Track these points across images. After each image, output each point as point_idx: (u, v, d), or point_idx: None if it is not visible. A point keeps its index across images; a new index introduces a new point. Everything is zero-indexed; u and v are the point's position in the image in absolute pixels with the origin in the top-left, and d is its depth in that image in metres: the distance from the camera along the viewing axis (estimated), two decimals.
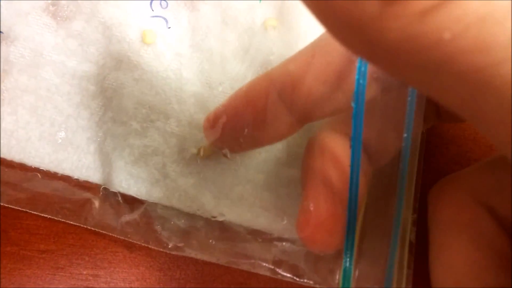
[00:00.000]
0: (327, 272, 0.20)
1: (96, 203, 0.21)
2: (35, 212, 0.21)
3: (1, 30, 0.21)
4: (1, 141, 0.20)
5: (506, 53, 0.08)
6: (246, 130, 0.18)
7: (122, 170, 0.21)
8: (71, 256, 0.21)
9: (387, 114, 0.17)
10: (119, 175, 0.21)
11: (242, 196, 0.21)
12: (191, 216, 0.21)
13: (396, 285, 0.17)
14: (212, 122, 0.19)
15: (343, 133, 0.18)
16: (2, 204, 0.20)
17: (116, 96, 0.21)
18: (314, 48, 0.17)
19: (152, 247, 0.21)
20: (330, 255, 0.20)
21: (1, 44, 0.21)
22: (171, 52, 0.22)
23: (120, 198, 0.21)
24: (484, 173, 0.17)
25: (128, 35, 0.21)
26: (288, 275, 0.20)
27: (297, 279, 0.20)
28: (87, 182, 0.21)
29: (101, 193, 0.21)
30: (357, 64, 0.15)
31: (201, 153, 0.21)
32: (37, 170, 0.21)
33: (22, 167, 0.21)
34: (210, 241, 0.21)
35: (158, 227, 0.21)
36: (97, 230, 0.21)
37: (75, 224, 0.21)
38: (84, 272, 0.21)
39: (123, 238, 0.21)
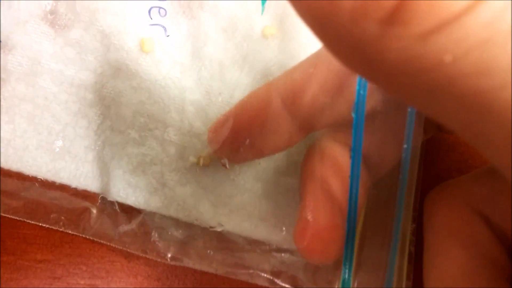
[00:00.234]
0: (325, 283, 0.20)
1: (94, 212, 0.21)
2: (32, 222, 0.20)
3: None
4: None
5: (507, 76, 0.08)
6: (248, 140, 0.18)
7: (120, 179, 0.21)
8: (68, 265, 0.21)
9: (387, 124, 0.17)
10: (117, 184, 0.21)
11: (241, 206, 0.21)
12: (189, 226, 0.21)
13: None
14: (217, 133, 0.19)
15: (342, 142, 0.18)
16: None
17: (114, 105, 0.21)
18: (317, 57, 0.17)
19: (150, 257, 0.20)
20: (329, 266, 0.20)
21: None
22: (170, 60, 0.21)
23: (117, 208, 0.21)
24: (479, 182, 0.17)
25: (126, 44, 0.21)
26: (287, 286, 0.20)
27: None
28: (85, 191, 0.21)
29: (99, 202, 0.21)
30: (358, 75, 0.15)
31: (201, 162, 0.21)
32: (34, 179, 0.21)
33: (20, 176, 0.21)
34: (208, 251, 0.21)
35: (156, 237, 0.21)
36: (94, 239, 0.21)
37: (73, 233, 0.21)
38: (82, 282, 0.21)
39: (120, 247, 0.20)
